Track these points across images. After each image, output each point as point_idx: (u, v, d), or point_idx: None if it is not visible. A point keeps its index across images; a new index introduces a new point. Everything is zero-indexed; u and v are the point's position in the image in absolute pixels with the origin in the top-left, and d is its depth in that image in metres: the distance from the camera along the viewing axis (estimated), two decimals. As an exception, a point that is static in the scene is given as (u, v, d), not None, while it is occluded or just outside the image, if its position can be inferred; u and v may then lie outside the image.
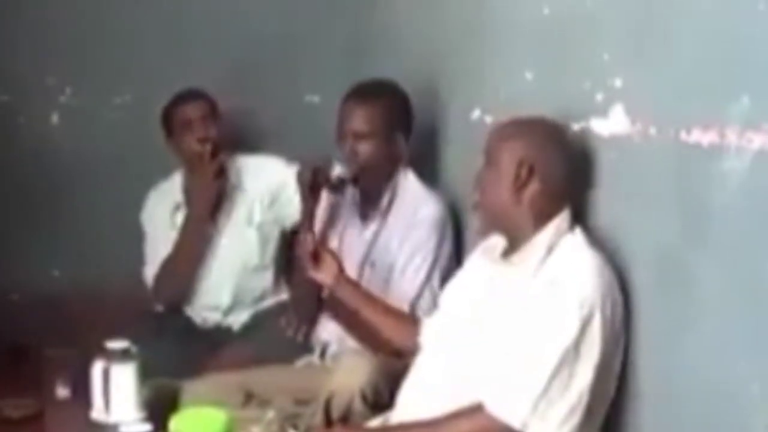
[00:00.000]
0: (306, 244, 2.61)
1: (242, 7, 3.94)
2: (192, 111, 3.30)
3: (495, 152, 2.09)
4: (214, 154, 3.28)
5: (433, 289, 2.61)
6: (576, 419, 1.89)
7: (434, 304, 2.52)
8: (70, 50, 3.87)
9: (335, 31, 3.98)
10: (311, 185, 2.78)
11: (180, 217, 3.37)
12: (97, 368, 2.51)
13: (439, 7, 3.10)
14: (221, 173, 3.27)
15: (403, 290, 2.63)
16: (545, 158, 2.03)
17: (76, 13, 3.85)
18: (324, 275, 2.56)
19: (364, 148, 2.71)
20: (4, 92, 3.89)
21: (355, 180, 2.75)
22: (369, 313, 2.50)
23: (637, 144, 1.89)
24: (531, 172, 2.02)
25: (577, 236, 2.01)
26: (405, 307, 2.59)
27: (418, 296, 2.61)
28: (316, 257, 2.58)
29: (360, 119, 2.70)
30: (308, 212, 2.79)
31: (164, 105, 3.34)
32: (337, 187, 2.77)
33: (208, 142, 3.27)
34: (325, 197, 2.91)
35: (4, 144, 3.81)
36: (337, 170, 2.79)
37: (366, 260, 2.74)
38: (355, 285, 2.59)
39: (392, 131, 2.73)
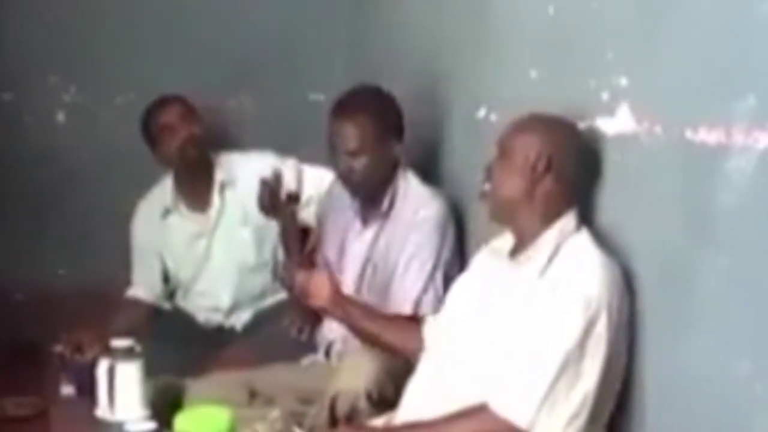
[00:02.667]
0: (290, 278, 2.53)
1: (246, 6, 3.95)
2: (170, 114, 3.27)
3: (511, 144, 2.08)
4: (199, 151, 3.29)
5: (436, 289, 2.60)
6: (582, 419, 1.89)
7: (438, 304, 2.52)
8: (74, 48, 3.88)
9: (339, 29, 3.99)
10: (270, 209, 2.94)
11: (170, 222, 3.37)
12: (102, 366, 2.51)
13: (443, 6, 3.09)
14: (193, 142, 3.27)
15: (405, 290, 2.62)
16: (562, 155, 2.03)
17: (80, 11, 3.85)
18: (317, 301, 2.45)
19: (360, 164, 2.66)
20: (8, 90, 3.90)
21: (355, 192, 2.76)
22: (372, 327, 2.44)
23: (643, 143, 1.89)
24: (548, 166, 2.02)
25: (584, 236, 2.00)
26: (408, 307, 2.58)
27: (421, 296, 2.60)
28: (304, 287, 2.47)
29: (350, 137, 2.64)
30: (285, 235, 2.94)
31: (141, 117, 3.32)
32: (290, 201, 2.83)
33: (193, 140, 3.26)
34: (312, 208, 3.07)
35: (8, 142, 3.81)
36: (287, 180, 2.92)
37: (367, 262, 2.73)
38: (353, 301, 2.53)
39: (385, 140, 2.69)
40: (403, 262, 2.66)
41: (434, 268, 2.64)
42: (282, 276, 2.65)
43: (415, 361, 2.30)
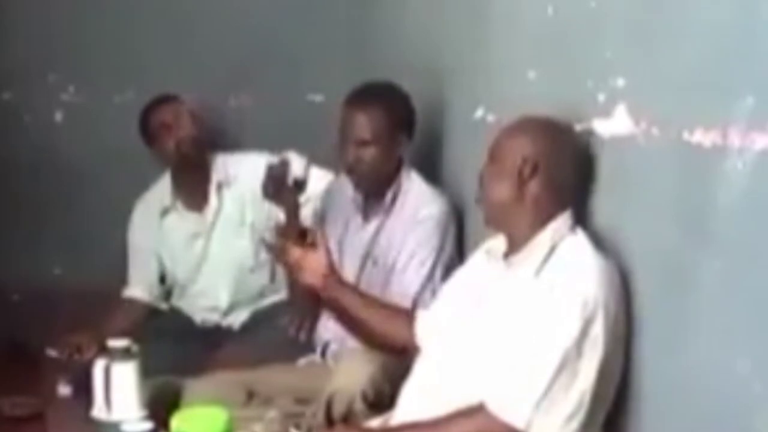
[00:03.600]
0: (285, 252, 2.51)
1: (244, 6, 3.95)
2: (168, 113, 3.30)
3: (500, 148, 2.09)
4: (197, 150, 3.30)
5: (435, 287, 2.60)
6: (579, 419, 1.89)
7: None
8: (73, 48, 3.88)
9: (338, 30, 3.99)
10: (274, 195, 2.92)
11: (168, 221, 3.37)
12: (99, 366, 2.51)
13: (442, 6, 3.09)
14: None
15: (404, 287, 2.63)
16: (550, 156, 2.03)
17: (78, 10, 3.86)
18: (310, 278, 2.44)
19: (369, 154, 2.69)
20: (7, 89, 3.90)
21: (359, 183, 2.77)
22: (362, 312, 2.43)
23: (640, 144, 1.88)
24: (535, 168, 2.02)
25: (580, 237, 2.01)
26: (406, 305, 2.58)
27: (420, 293, 2.61)
28: (297, 264, 2.47)
29: (362, 127, 2.68)
30: (288, 216, 2.92)
31: (139, 116, 3.34)
32: (299, 187, 2.88)
33: (190, 139, 3.27)
34: (310, 207, 3.07)
35: (7, 142, 3.82)
36: (295, 167, 2.90)
37: (367, 257, 2.74)
38: (346, 284, 2.52)
39: (395, 134, 2.73)
40: (403, 259, 2.67)
41: (434, 266, 2.65)
42: (275, 246, 2.61)
43: (404, 353, 2.30)
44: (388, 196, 2.75)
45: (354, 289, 2.54)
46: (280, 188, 2.95)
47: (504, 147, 2.08)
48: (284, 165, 2.94)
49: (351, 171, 2.74)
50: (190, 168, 3.32)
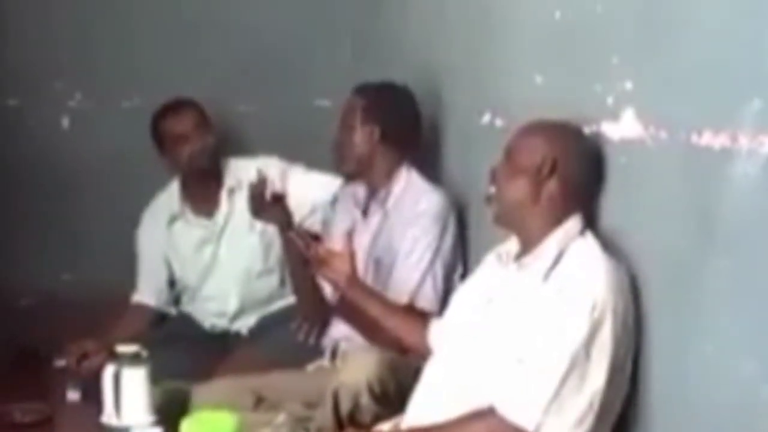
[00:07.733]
0: (306, 246, 2.59)
1: (251, 11, 3.95)
2: (185, 123, 3.27)
3: (517, 147, 2.10)
4: (212, 160, 3.30)
5: (435, 281, 2.65)
6: (589, 421, 1.89)
7: (436, 295, 2.62)
8: (79, 54, 3.88)
9: (345, 35, 3.99)
10: (261, 213, 2.98)
11: (177, 228, 3.37)
12: (108, 372, 2.52)
13: (448, 12, 3.10)
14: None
15: (404, 279, 2.65)
16: (567, 158, 2.05)
17: (85, 16, 3.87)
18: (334, 275, 2.52)
19: (338, 132, 2.84)
20: (14, 96, 3.90)
21: (336, 161, 2.90)
22: (382, 315, 2.47)
23: (648, 147, 1.89)
24: (553, 168, 2.03)
25: (589, 240, 2.01)
26: (405, 298, 2.62)
27: (420, 286, 2.64)
28: (323, 259, 2.55)
29: (346, 109, 2.85)
30: (281, 231, 2.95)
31: (153, 119, 3.32)
32: (276, 201, 2.92)
33: (206, 150, 3.27)
34: (319, 215, 3.16)
35: (14, 148, 3.82)
36: (270, 180, 2.98)
37: (370, 255, 2.76)
38: (367, 286, 2.58)
39: (366, 123, 2.80)
40: (402, 252, 2.70)
41: (433, 259, 2.68)
42: (300, 242, 2.64)
43: (417, 356, 2.31)
44: (383, 191, 2.79)
45: (374, 291, 2.58)
46: (263, 206, 2.95)
47: (522, 146, 2.09)
48: (261, 183, 2.94)
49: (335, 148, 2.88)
50: (203, 175, 3.32)
